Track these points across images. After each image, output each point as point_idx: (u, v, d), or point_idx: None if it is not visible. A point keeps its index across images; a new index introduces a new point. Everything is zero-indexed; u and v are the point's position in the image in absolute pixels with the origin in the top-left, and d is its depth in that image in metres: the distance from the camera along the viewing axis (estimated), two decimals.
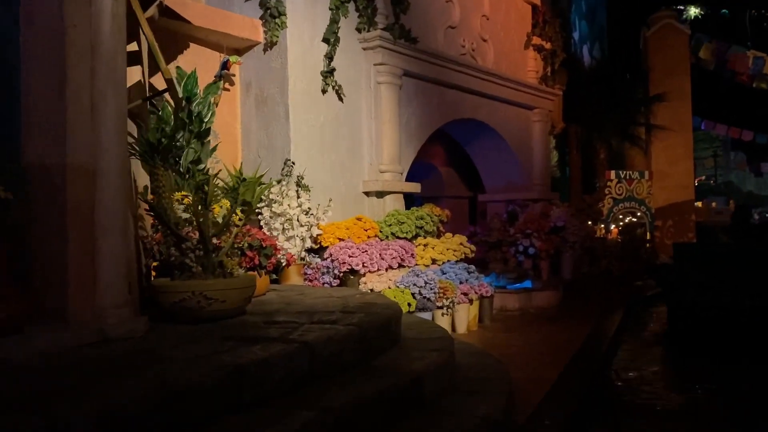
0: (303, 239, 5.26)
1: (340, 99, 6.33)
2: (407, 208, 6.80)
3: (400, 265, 5.97)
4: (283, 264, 4.50)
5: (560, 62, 10.16)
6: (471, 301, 6.00)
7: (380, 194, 6.63)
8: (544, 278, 8.51)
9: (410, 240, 6.39)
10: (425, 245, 6.37)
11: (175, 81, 5.42)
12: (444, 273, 6.08)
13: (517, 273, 7.75)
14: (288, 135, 5.82)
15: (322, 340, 2.62)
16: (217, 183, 4.06)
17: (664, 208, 15.05)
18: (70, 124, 2.70)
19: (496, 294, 7.00)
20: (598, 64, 17.24)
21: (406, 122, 6.99)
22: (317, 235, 5.39)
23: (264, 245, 4.18)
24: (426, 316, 5.38)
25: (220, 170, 4.96)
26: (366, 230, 6.06)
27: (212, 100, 5.37)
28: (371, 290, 5.41)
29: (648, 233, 13.39)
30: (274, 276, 4.36)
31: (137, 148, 3.33)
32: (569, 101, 13.70)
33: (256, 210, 5.19)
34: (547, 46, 9.84)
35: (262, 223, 5.19)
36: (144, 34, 3.68)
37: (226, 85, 6.11)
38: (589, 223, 11.40)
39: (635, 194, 13.29)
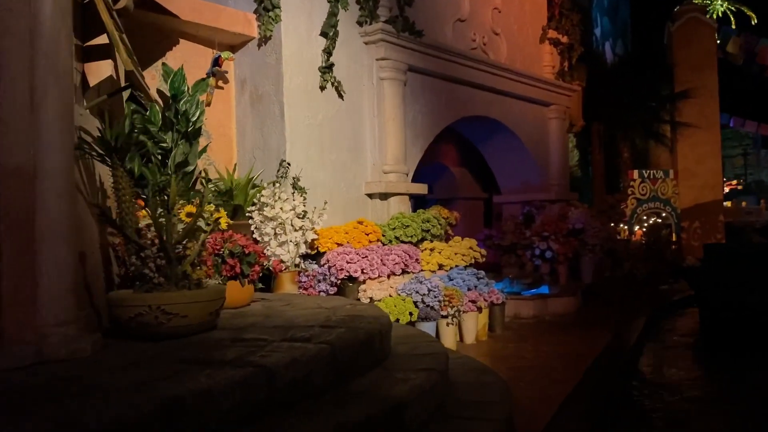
0: (297, 245, 4.93)
1: (341, 96, 6.01)
2: (417, 210, 6.45)
3: (404, 271, 5.62)
4: (272, 272, 4.17)
5: (578, 57, 9.71)
6: (480, 309, 5.63)
7: (384, 196, 6.28)
8: (563, 283, 8.10)
9: (416, 244, 6.04)
10: (431, 250, 6.02)
11: (160, 78, 5.16)
12: (451, 279, 5.72)
13: (532, 278, 7.35)
14: (283, 134, 5.51)
15: (284, 362, 2.28)
16: (177, 188, 3.74)
17: (690, 208, 14.48)
18: (4, 119, 2.40)
19: (509, 300, 6.64)
20: (621, 60, 16.78)
21: (412, 120, 6.64)
22: (312, 240, 5.06)
23: (247, 252, 3.86)
24: (429, 326, 5.03)
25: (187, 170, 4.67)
26: (367, 234, 5.72)
27: (201, 98, 5.08)
28: (371, 298, 5.08)
29: (674, 234, 12.87)
30: (261, 285, 4.04)
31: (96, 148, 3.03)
32: (591, 99, 13.29)
33: (247, 214, 4.89)
34: (564, 39, 9.40)
35: (253, 227, 4.88)
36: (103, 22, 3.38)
37: (220, 83, 5.83)
38: (612, 224, 10.92)
39: (660, 194, 12.78)
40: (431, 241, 6.12)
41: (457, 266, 6.00)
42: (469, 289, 5.66)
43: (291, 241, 4.90)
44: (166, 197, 2.91)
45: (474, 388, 3.19)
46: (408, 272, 5.63)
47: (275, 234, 4.84)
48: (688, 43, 15.48)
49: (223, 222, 4.32)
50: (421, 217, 6.17)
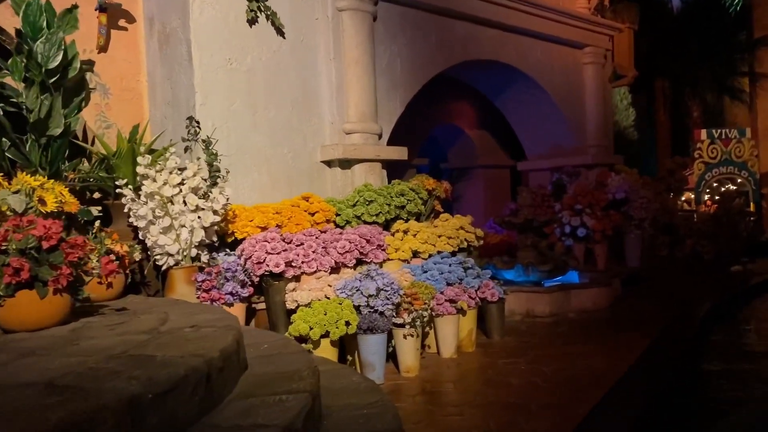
0: (192, 231, 3.60)
1: (280, 33, 4.60)
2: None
3: (361, 262, 4.23)
4: (94, 276, 2.83)
5: None
6: (463, 312, 4.16)
7: (345, 163, 4.87)
8: (601, 267, 6.48)
9: (385, 225, 4.63)
10: (405, 232, 4.57)
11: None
12: (425, 271, 4.27)
13: (552, 264, 5.77)
14: (192, 83, 4.17)
15: None
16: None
17: None
18: None
19: (521, 294, 5.24)
20: (689, 6, 14.77)
21: (388, 65, 5.17)
22: (213, 223, 3.69)
23: (46, 247, 2.56)
24: (376, 339, 3.60)
25: None
26: (312, 214, 4.34)
27: (67, 37, 3.79)
28: (297, 302, 3.71)
29: (752, 203, 10.90)
30: (85, 298, 2.70)
31: None
32: (652, 50, 11.48)
33: (117, 191, 3.58)
34: None
35: (126, 209, 3.58)
36: None
37: (123, 23, 4.53)
38: (671, 194, 9.09)
39: (734, 157, 10.84)
40: (406, 221, 4.68)
41: (440, 253, 4.55)
42: (449, 284, 4.20)
43: (183, 225, 3.57)
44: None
45: None
46: (367, 262, 4.23)
47: (155, 217, 3.52)
48: None
49: (51, 202, 3.05)
50: (394, 189, 4.73)
